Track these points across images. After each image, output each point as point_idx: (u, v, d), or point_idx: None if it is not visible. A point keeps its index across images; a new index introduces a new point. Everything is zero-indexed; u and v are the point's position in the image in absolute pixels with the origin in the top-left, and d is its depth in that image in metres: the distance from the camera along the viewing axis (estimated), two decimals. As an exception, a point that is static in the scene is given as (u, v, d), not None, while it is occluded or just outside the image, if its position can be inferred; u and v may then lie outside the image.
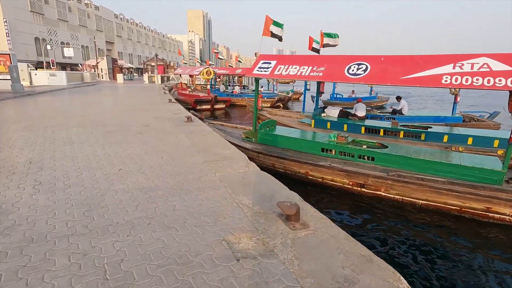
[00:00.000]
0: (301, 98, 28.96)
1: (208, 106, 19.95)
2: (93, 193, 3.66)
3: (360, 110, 10.94)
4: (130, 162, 4.93)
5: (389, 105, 25.27)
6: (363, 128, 9.90)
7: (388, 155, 6.56)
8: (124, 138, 6.64)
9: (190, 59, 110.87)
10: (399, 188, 5.85)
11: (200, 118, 10.65)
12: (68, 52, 33.68)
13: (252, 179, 4.25)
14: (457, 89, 12.68)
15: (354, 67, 6.92)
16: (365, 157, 6.87)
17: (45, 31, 51.99)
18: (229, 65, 33.10)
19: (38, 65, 48.42)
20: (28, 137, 6.62)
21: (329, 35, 12.42)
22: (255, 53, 10.89)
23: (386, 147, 7.19)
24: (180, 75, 27.36)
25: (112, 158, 5.15)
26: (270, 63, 8.24)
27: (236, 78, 35.12)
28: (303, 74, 7.54)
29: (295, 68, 7.75)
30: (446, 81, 5.54)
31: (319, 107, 12.42)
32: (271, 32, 9.81)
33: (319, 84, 11.85)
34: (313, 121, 10.81)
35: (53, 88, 22.52)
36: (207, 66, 20.56)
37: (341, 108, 11.33)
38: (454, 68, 5.65)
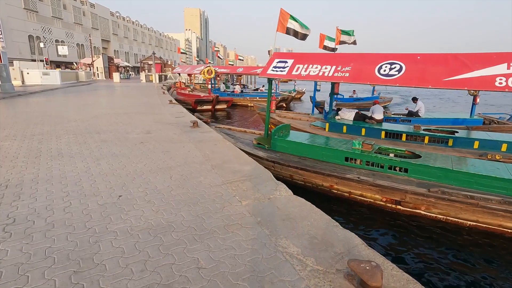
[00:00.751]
0: (303, 98, 28.06)
1: (209, 107, 18.94)
2: (84, 238, 2.67)
3: (378, 113, 10.02)
4: (132, 184, 3.94)
5: (392, 105, 24.33)
6: (383, 133, 8.98)
7: (425, 166, 5.67)
8: (123, 150, 5.63)
9: (187, 57, 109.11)
10: (443, 207, 4.97)
11: (206, 122, 9.66)
12: (63, 50, 32.37)
13: (290, 211, 3.29)
14: (477, 90, 11.84)
15: (386, 66, 6.02)
16: (397, 168, 5.97)
17: (39, 28, 50.55)
18: (229, 64, 31.99)
19: (38, 64, 47.29)
20: (10, 148, 5.59)
21: (345, 32, 11.39)
22: (269, 51, 9.93)
23: (418, 156, 6.31)
24: (179, 74, 26.25)
25: (110, 178, 4.15)
26: (286, 62, 7.31)
27: (234, 77, 34.08)
28: (326, 74, 6.60)
29: (316, 67, 6.81)
30: (500, 83, 4.68)
31: (332, 109, 11.51)
32: (288, 28, 8.75)
33: (333, 84, 10.93)
34: (327, 124, 9.86)
35: (46, 88, 21.36)
36: (208, 65, 19.53)
37: (357, 111, 10.40)
38: (509, 68, 4.76)
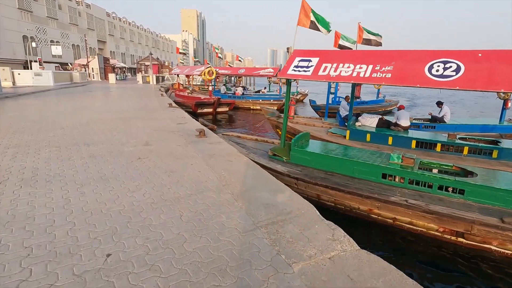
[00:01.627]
0: (305, 100, 26.90)
1: (210, 110, 17.69)
2: None
3: (404, 119, 8.86)
4: (127, 230, 2.71)
5: (396, 109, 23.18)
6: (413, 142, 7.82)
7: (488, 188, 4.53)
8: (116, 169, 4.40)
9: (184, 58, 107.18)
10: (524, 243, 3.83)
11: (212, 129, 8.45)
12: (56, 50, 30.92)
13: (367, 277, 2.10)
14: (509, 93, 10.78)
15: (439, 66, 4.88)
16: (449, 189, 4.82)
17: (34, 29, 48.97)
18: (229, 65, 30.76)
19: (26, 64, 45.64)
20: (-30, 168, 4.33)
21: (369, 31, 10.14)
22: (287, 48, 8.73)
23: (470, 172, 5.17)
24: (177, 75, 24.96)
25: (95, 219, 2.92)
26: (310, 60, 6.13)
27: (232, 78, 32.83)
28: (361, 75, 5.43)
29: (349, 67, 5.65)
30: None
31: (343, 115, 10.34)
32: (311, 22, 7.57)
33: (354, 86, 9.78)
34: (348, 132, 8.69)
35: (37, 89, 19.97)
36: (209, 66, 18.29)
37: (380, 116, 9.23)
38: None
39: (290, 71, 6.14)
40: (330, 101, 18.84)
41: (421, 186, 5.01)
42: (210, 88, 18.37)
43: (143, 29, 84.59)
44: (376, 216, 4.89)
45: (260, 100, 20.22)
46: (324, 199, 5.35)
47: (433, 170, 5.63)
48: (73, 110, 10.71)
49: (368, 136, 8.46)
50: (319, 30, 8.00)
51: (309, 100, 18.59)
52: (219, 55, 23.19)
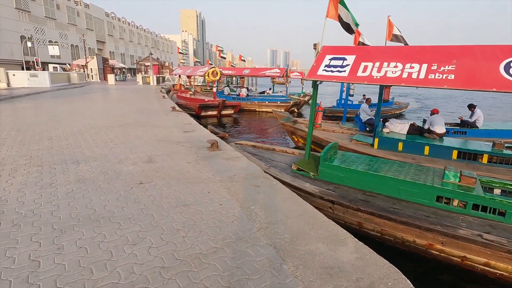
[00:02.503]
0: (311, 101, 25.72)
1: (215, 112, 16.56)
2: None
3: (439, 125, 7.75)
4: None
5: (409, 112, 21.54)
6: (454, 152, 6.72)
7: None
8: (110, 202, 3.27)
9: (184, 59, 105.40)
10: None
11: (223, 138, 7.33)
12: (54, 50, 29.69)
13: None
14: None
15: (519, 64, 3.77)
16: (528, 218, 3.76)
17: (32, 29, 47.78)
18: (232, 65, 29.59)
19: (24, 65, 44.42)
20: None
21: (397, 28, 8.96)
22: (314, 45, 7.59)
23: None
24: (179, 75, 23.80)
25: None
26: (345, 59, 5.02)
27: (234, 79, 31.65)
28: (414, 76, 4.37)
29: (396, 66, 4.54)
30: None
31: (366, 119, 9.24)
32: (339, 15, 6.48)
33: (382, 88, 8.67)
34: (376, 140, 7.58)
35: (33, 91, 18.79)
36: (213, 66, 17.15)
37: (412, 122, 8.12)
38: None
39: (321, 72, 5.05)
40: (336, 103, 17.42)
41: (489, 213, 3.93)
42: (214, 89, 17.21)
43: (142, 29, 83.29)
44: (438, 253, 3.80)
45: (266, 102, 19.07)
46: (368, 228, 4.27)
47: (495, 190, 4.54)
48: (67, 115, 9.56)
49: (400, 145, 7.36)
50: (346, 26, 6.90)
51: (308, 102, 17.43)
52: (222, 54, 21.95)
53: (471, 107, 9.66)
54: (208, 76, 16.51)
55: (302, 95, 22.46)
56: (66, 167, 4.43)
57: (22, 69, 43.07)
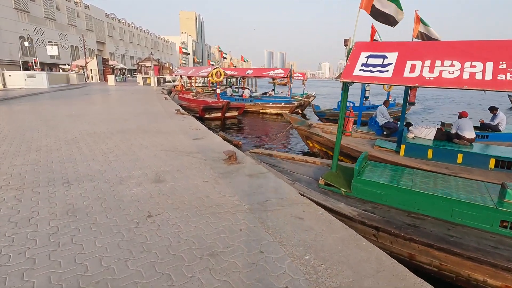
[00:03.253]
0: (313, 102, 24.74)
1: (218, 114, 15.56)
2: None
3: (469, 130, 6.81)
4: None
5: (412, 114, 20.41)
6: (492, 161, 5.79)
7: None
8: (109, 252, 2.28)
9: (184, 60, 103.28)
10: None
11: (237, 146, 6.37)
12: (52, 50, 28.53)
13: None
14: None
15: None
16: None
17: (31, 29, 46.52)
18: (233, 66, 28.55)
19: (24, 66, 43.21)
20: None
21: (426, 23, 7.90)
22: (345, 40, 6.56)
23: None
24: (181, 76, 22.75)
25: None
26: (385, 56, 4.13)
27: (234, 79, 30.60)
28: (478, 77, 3.58)
29: (452, 65, 3.62)
30: None
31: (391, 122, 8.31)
32: (374, 7, 5.51)
33: (407, 90, 7.75)
34: (402, 146, 6.63)
35: (29, 92, 17.71)
36: (216, 67, 16.14)
37: (439, 127, 7.18)
38: None
39: (357, 72, 4.11)
40: (337, 105, 15.71)
41: None
42: (218, 90, 16.19)
43: (142, 31, 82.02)
44: (526, 301, 2.87)
45: (270, 103, 18.09)
46: (423, 261, 3.35)
47: None
48: (62, 119, 8.54)
49: (430, 152, 6.42)
50: (385, 21, 5.92)
51: (313, 105, 16.19)
52: (224, 55, 20.81)
53: (493, 109, 8.74)
54: (212, 77, 15.51)
55: (304, 96, 21.47)
56: (53, 190, 3.44)
57: (21, 69, 42.03)
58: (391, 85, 15.63)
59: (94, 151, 5.18)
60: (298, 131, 8.50)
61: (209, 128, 8.45)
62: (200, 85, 32.80)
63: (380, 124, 8.40)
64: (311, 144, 8.31)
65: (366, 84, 12.71)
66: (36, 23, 48.11)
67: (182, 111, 10.45)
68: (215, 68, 15.67)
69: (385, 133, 8.31)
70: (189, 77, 25.67)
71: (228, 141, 6.61)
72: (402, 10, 6.00)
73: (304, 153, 8.86)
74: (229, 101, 15.50)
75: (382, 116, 8.41)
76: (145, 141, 6.05)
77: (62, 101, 14.01)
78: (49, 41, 48.75)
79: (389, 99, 16.88)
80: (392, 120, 8.50)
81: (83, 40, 39.98)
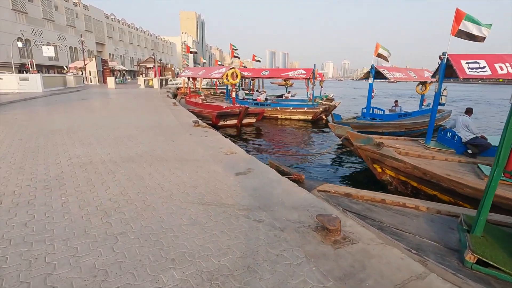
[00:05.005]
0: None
1: (234, 121, 13.42)
2: None
3: None
4: None
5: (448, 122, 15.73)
6: None
7: None
8: None
9: (183, 61, 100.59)
10: None
11: (299, 180, 4.25)
12: (48, 51, 26.21)
13: None
14: None
15: None
16: None
17: (29, 31, 44.32)
18: (243, 66, 26.34)
19: (22, 68, 40.94)
20: None
21: (475, 21, 5.86)
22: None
23: None
24: (188, 78, 20.55)
25: None
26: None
27: (245, 80, 28.41)
28: None
29: None
30: None
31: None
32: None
33: (438, 94, 5.69)
34: (528, 177, 4.49)
35: (21, 97, 15.49)
36: (233, 67, 13.98)
37: None
38: None
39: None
40: (362, 113, 12.11)
41: None
42: (234, 94, 14.03)
43: (142, 31, 79.55)
44: None
45: (291, 108, 15.91)
46: None
47: None
48: (48, 138, 6.37)
49: None
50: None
51: (332, 114, 11.74)
52: (235, 53, 18.68)
53: None
54: (227, 79, 13.36)
55: (324, 98, 19.34)
56: None
57: (20, 72, 39.68)
58: (420, 85, 13.29)
59: (85, 208, 3.03)
60: (360, 152, 6.35)
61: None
62: (205, 87, 30.52)
63: (463, 141, 6.27)
64: (380, 170, 6.18)
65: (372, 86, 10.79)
66: (34, 24, 45.96)
67: (201, 122, 8.28)
68: (231, 69, 13.52)
69: (469, 151, 6.19)
70: (193, 79, 23.42)
71: (284, 173, 4.49)
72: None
73: (374, 182, 6.65)
74: (247, 106, 13.33)
75: (467, 130, 6.26)
76: (166, 179, 3.90)
77: (54, 108, 11.81)
78: (48, 43, 46.42)
79: (424, 103, 14.68)
80: (480, 134, 6.35)
81: (82, 40, 37.62)
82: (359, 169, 8.03)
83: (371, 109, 11.78)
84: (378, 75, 10.83)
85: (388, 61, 11.65)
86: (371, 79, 10.63)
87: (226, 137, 6.59)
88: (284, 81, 22.50)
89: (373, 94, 11.24)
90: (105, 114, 10.08)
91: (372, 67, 10.54)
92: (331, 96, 21.23)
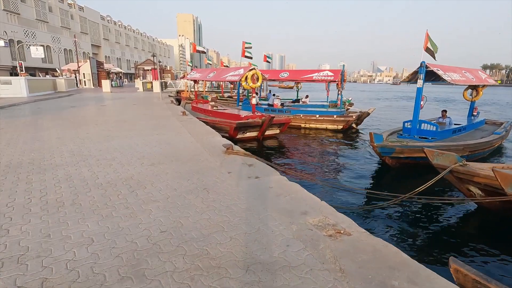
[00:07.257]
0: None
1: (255, 133, 10.71)
2: None
3: None
4: None
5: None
6: None
7: None
8: None
9: (181, 63, 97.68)
10: None
11: None
12: (37, 52, 23.07)
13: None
14: None
15: None
16: None
17: (21, 32, 41.11)
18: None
19: (13, 71, 37.86)
20: None
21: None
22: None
23: None
24: (194, 81, 17.71)
25: None
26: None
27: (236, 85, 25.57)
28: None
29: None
30: None
31: None
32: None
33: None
34: None
35: (1, 104, 12.58)
36: (253, 67, 11.26)
37: None
38: None
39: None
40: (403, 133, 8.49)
41: None
42: (254, 100, 11.30)
43: (139, 33, 76.25)
44: None
45: (317, 116, 13.20)
46: None
47: None
48: (10, 173, 3.57)
49: None
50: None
51: (371, 134, 6.98)
52: (247, 52, 15.97)
53: None
54: (247, 82, 10.62)
55: (346, 104, 16.71)
56: None
57: (11, 75, 36.49)
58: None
59: None
60: (452, 178, 3.61)
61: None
62: (207, 90, 27.66)
63: None
64: (470, 191, 3.46)
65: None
66: (27, 25, 42.76)
67: (236, 147, 5.50)
68: (251, 69, 10.77)
69: None
70: (195, 81, 20.55)
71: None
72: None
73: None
74: (273, 115, 10.59)
75: None
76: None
77: (29, 121, 8.94)
78: (41, 45, 43.17)
79: (474, 112, 11.89)
80: None
81: (75, 41, 34.44)
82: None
83: (418, 123, 8.28)
84: (430, 76, 8.09)
85: (436, 59, 8.75)
86: (420, 81, 7.57)
87: (295, 183, 3.80)
88: (296, 83, 19.77)
89: (422, 103, 8.22)
90: (94, 132, 7.23)
91: (422, 66, 7.41)
92: (350, 99, 18.60)
